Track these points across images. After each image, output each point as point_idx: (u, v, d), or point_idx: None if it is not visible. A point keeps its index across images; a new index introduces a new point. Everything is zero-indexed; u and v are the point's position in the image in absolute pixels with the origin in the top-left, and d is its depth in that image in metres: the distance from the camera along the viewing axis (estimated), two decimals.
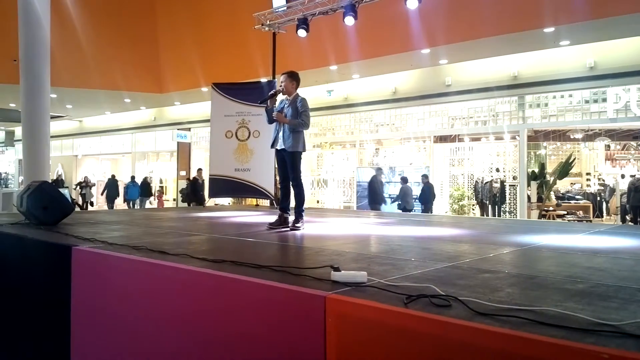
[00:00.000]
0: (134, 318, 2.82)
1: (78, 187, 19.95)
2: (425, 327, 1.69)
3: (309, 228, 4.95)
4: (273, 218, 5.12)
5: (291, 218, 4.95)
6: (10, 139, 30.05)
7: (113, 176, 20.43)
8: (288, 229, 4.82)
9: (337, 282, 2.22)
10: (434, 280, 2.29)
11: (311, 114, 5.09)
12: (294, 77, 5.00)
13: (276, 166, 5.77)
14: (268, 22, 9.67)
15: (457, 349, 1.59)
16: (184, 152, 20.42)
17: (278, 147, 4.95)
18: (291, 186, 5.02)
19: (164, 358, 2.63)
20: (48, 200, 4.76)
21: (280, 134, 4.91)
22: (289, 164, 4.93)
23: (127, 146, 23.49)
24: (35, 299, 3.65)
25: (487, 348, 1.53)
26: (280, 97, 5.12)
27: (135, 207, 18.70)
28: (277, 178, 5.91)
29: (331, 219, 6.34)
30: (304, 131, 5.00)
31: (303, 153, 5.00)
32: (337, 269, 2.29)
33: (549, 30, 9.85)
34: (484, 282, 2.31)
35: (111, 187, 19.11)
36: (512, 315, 1.69)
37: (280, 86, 4.98)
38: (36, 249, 3.71)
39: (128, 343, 2.88)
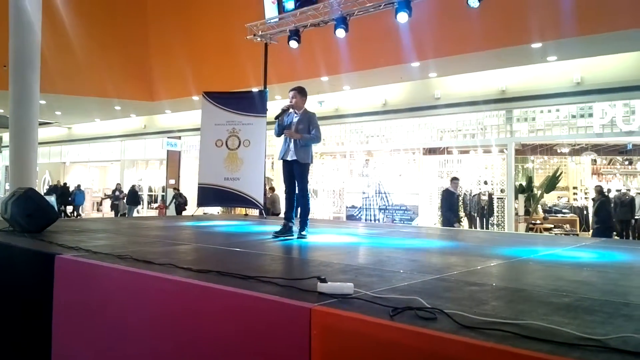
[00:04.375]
0: (117, 328, 2.77)
1: (110, 196, 19.73)
2: (410, 340, 1.67)
3: (300, 239, 4.93)
4: (262, 228, 5.12)
5: (295, 228, 5.11)
6: None
7: (65, 184, 21.62)
8: (293, 237, 4.95)
9: (323, 293, 2.20)
10: (421, 292, 2.28)
11: None
12: (303, 93, 5.22)
13: (268, 176, 5.83)
14: (260, 33, 9.71)
15: None
16: (173, 160, 20.31)
17: (289, 159, 5.09)
18: (298, 197, 5.19)
19: None
20: (33, 208, 4.69)
21: (291, 145, 5.07)
22: (298, 175, 5.11)
23: (116, 154, 23.32)
24: (17, 307, 3.57)
25: None
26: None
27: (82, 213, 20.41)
28: (267, 187, 5.98)
29: (321, 230, 6.32)
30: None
31: (310, 165, 5.25)
32: (323, 280, 2.27)
33: (537, 45, 10.00)
34: (470, 294, 2.31)
35: (63, 194, 19.91)
36: (497, 329, 1.68)
37: (291, 102, 5.09)
38: (19, 256, 3.64)
39: (110, 354, 2.83)
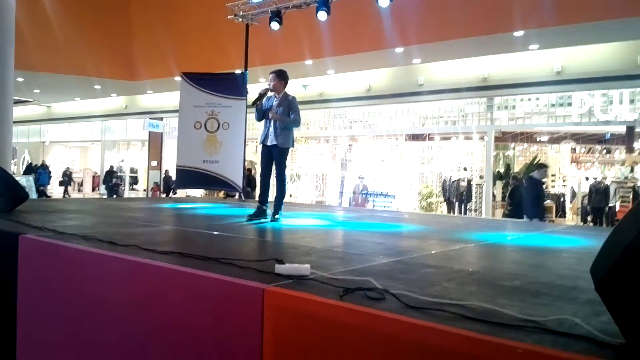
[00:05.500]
0: (80, 308, 2.78)
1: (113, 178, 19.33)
2: (355, 320, 1.71)
3: (274, 222, 4.95)
4: (239, 210, 5.15)
5: (269, 211, 5.11)
6: None
7: (31, 163, 22.13)
8: (266, 220, 4.94)
9: (280, 274, 2.23)
10: (377, 274, 2.32)
11: None
12: (282, 76, 5.14)
13: (249, 159, 5.83)
14: (241, 13, 9.58)
15: (383, 341, 1.62)
16: (155, 142, 20.11)
17: (268, 143, 5.07)
18: (275, 180, 5.19)
19: (109, 347, 2.61)
20: (1, 187, 4.63)
21: (271, 129, 5.03)
22: (276, 159, 5.09)
23: (96, 134, 23.00)
24: None
25: (410, 340, 1.57)
26: (269, 93, 5.21)
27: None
28: (248, 170, 5.96)
29: (297, 214, 6.35)
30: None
31: (290, 148, 5.19)
32: (281, 262, 2.30)
33: (519, 34, 10.05)
34: (424, 276, 2.35)
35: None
36: (441, 310, 1.72)
37: (269, 85, 5.05)
38: None
39: (74, 333, 2.83)
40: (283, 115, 5.01)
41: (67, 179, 20.89)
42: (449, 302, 1.83)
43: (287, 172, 5.32)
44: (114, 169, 20.07)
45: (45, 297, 3.03)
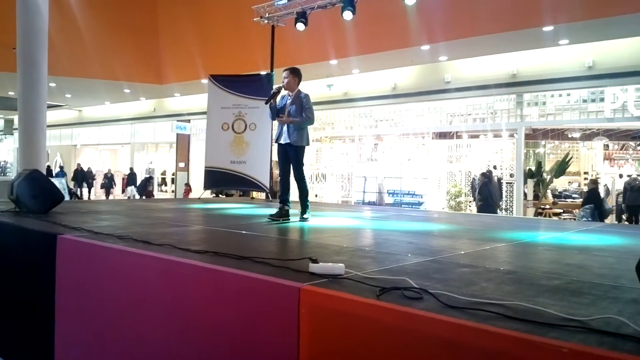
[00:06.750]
0: (117, 306, 2.84)
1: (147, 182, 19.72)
2: (393, 319, 1.70)
3: (302, 222, 4.95)
4: (268, 210, 5.16)
5: (292, 211, 5.06)
6: (9, 127, 30.03)
7: (48, 166, 21.94)
8: (288, 220, 4.90)
9: (314, 273, 2.23)
10: (412, 273, 2.30)
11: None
12: (296, 74, 5.10)
13: (275, 159, 5.78)
14: (267, 15, 9.65)
15: (423, 341, 1.60)
16: (183, 143, 20.41)
17: (282, 142, 5.03)
18: (295, 180, 5.12)
19: (145, 346, 2.66)
20: (38, 189, 4.77)
21: (285, 128, 5.00)
22: (292, 158, 5.04)
23: (126, 137, 23.48)
24: (20, 287, 3.66)
25: (451, 340, 1.55)
26: (282, 92, 5.18)
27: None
28: (276, 171, 6.00)
29: (327, 213, 6.35)
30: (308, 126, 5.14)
31: (306, 147, 5.12)
32: (315, 261, 2.30)
33: (548, 29, 9.82)
34: (460, 276, 2.32)
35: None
36: (481, 309, 1.69)
37: (283, 82, 5.05)
38: (22, 237, 3.72)
39: (111, 331, 2.89)
40: (296, 114, 4.95)
41: (107, 182, 21.23)
42: (488, 301, 1.80)
43: (313, 171, 5.27)
44: (134, 171, 20.52)
45: (83, 295, 3.10)
